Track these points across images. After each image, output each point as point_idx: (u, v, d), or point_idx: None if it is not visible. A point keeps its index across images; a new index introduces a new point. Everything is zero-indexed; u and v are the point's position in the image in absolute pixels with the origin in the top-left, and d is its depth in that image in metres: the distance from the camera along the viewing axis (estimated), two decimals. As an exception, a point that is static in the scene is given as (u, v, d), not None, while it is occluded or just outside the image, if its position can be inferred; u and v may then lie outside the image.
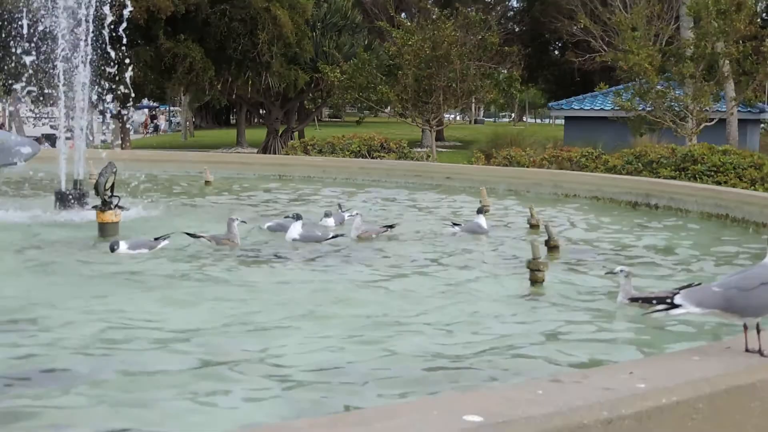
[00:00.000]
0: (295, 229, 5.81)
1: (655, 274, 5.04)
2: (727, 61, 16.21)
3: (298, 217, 5.85)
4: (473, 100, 26.05)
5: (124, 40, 7.76)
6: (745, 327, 2.01)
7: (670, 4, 21.27)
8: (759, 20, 17.50)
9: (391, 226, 6.39)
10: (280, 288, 4.62)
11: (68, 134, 8.07)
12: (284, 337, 3.47)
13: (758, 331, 2.00)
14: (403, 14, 26.42)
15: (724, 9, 15.09)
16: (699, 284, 2.41)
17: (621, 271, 4.09)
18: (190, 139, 29.95)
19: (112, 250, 5.08)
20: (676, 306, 2.03)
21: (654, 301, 2.29)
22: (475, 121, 46.39)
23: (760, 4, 18.71)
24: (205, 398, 2.57)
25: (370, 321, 3.80)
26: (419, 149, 21.29)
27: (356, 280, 4.88)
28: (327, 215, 6.83)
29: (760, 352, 1.94)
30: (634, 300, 3.41)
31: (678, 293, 2.11)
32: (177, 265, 5.11)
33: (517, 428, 1.44)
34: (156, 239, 5.28)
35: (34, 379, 2.76)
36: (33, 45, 7.92)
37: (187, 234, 5.59)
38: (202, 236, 5.62)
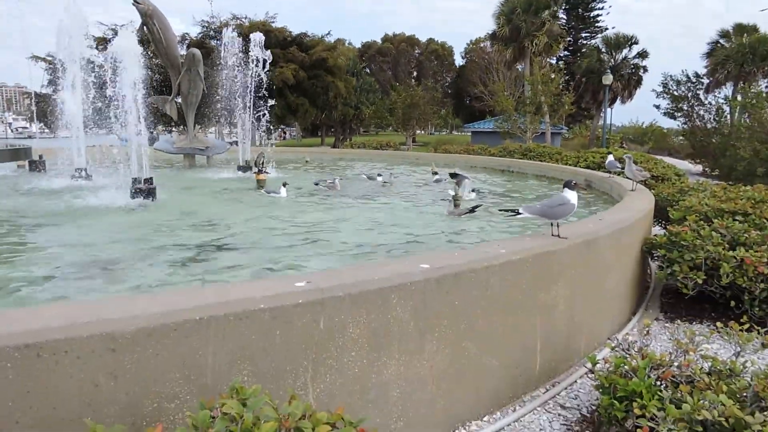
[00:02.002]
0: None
1: (511, 201, 8.96)
2: (546, 105, 31.17)
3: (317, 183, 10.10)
4: (430, 124, 60.16)
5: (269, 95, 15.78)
6: (551, 224, 3.75)
7: (521, 79, 37.24)
8: (561, 86, 31.80)
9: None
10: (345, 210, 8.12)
11: (243, 140, 14.45)
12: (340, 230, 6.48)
13: (558, 226, 3.74)
14: (398, 84, 51.28)
15: (545, 81, 30.12)
16: (518, 210, 4.10)
17: (450, 199, 7.26)
18: (300, 141, 55.72)
19: (268, 192, 9.00)
20: (520, 213, 3.73)
21: (473, 210, 6.46)
22: (431, 134, 77.69)
23: (562, 78, 33.41)
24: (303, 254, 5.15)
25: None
26: (404, 146, 37.22)
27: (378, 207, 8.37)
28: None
29: (558, 236, 3.68)
30: (451, 213, 6.85)
31: (521, 207, 3.81)
32: (300, 198, 9.11)
33: (447, 269, 2.93)
34: (472, 210, 7.44)
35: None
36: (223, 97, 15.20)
37: (315, 183, 10.17)
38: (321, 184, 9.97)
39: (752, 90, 23.87)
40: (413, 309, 2.74)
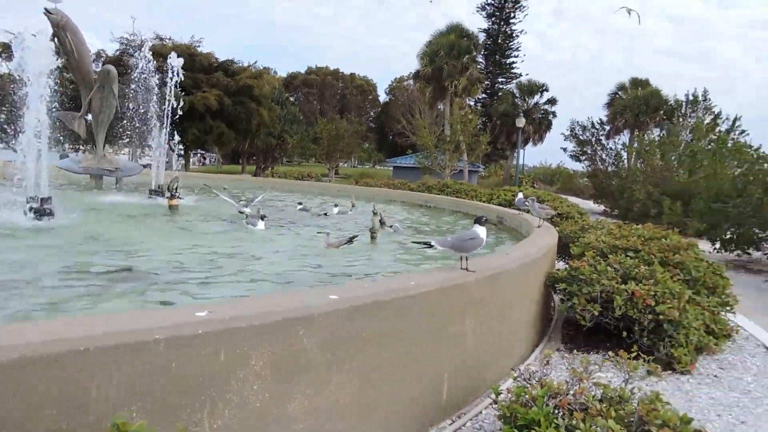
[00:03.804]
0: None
1: (426, 233, 9.37)
2: (464, 144, 32.67)
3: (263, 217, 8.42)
4: (353, 157, 62.91)
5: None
6: (461, 257, 3.86)
7: (441, 118, 39.08)
8: (478, 127, 34.11)
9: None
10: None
11: (157, 164, 13.83)
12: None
13: (467, 259, 3.87)
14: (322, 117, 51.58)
15: (464, 121, 32.30)
16: (430, 243, 4.19)
17: (327, 233, 7.07)
18: (220, 168, 55.27)
19: (248, 224, 8.19)
20: (432, 246, 3.82)
21: (351, 241, 6.58)
22: (354, 166, 79.38)
23: (479, 119, 35.99)
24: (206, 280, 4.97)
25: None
26: (327, 178, 38.83)
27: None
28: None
29: (467, 269, 3.80)
30: (330, 245, 6.76)
31: (433, 239, 3.90)
32: (210, 224, 9.04)
33: (356, 300, 2.92)
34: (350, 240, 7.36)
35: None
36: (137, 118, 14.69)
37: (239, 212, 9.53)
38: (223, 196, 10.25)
39: (645, 138, 26.32)
40: (321, 341, 2.70)
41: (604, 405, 2.85)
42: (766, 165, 11.80)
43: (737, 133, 22.87)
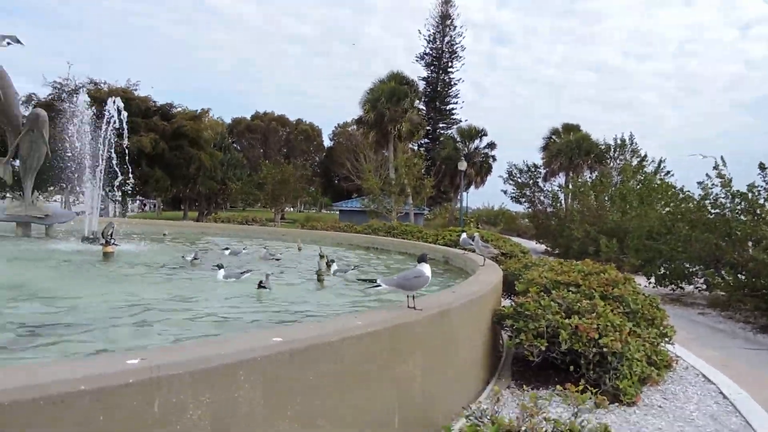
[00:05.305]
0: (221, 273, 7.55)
1: (374, 273, 9.21)
2: (409, 188, 33.33)
3: (220, 267, 7.70)
4: (299, 201, 64.34)
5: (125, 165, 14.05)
6: (407, 296, 3.82)
7: (386, 162, 39.75)
8: (422, 171, 34.09)
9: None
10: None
11: (90, 210, 13.72)
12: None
13: (413, 298, 3.82)
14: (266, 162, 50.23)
15: (408, 165, 32.75)
16: (376, 281, 4.11)
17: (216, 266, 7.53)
18: (160, 214, 53.51)
19: (226, 278, 7.43)
20: (378, 285, 3.76)
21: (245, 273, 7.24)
22: (300, 211, 79.43)
23: (423, 163, 35.83)
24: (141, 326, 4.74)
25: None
26: (273, 222, 37.40)
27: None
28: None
29: (413, 307, 3.75)
30: (226, 278, 7.24)
31: (378, 279, 3.84)
32: (152, 271, 8.46)
33: (300, 342, 2.81)
34: (242, 273, 7.54)
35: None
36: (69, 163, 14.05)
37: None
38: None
39: (579, 180, 27.66)
40: (264, 385, 2.56)
41: (556, 439, 2.82)
42: (690, 204, 12.55)
43: (663, 173, 24.49)
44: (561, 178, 42.77)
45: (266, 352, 2.59)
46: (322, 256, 8.42)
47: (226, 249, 11.00)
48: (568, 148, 43.80)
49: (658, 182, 19.69)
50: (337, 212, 49.12)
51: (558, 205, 25.45)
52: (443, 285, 7.27)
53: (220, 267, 7.65)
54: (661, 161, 25.48)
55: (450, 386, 4.18)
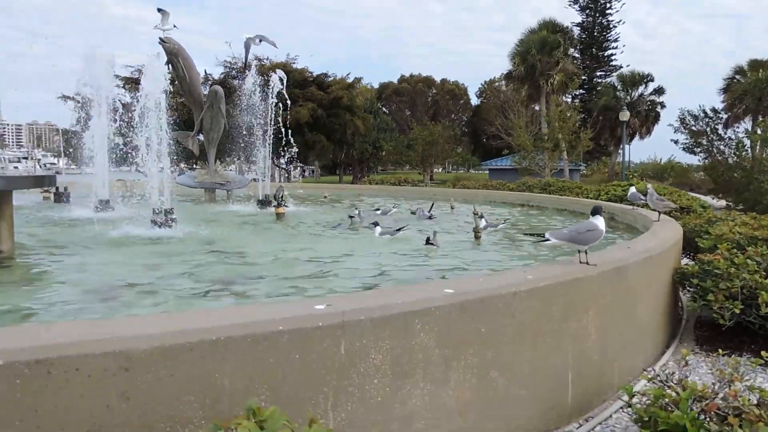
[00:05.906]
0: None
1: (534, 227, 9.63)
2: (563, 142, 31.23)
3: (376, 224, 8.04)
4: (447, 162, 65.48)
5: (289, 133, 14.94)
6: (579, 251, 3.61)
7: (537, 117, 38.02)
8: (578, 124, 32.08)
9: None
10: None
11: (262, 177, 14.64)
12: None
13: (586, 253, 3.60)
14: (414, 123, 52.66)
15: (562, 118, 30.78)
16: (544, 235, 3.68)
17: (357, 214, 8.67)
18: (319, 179, 57.64)
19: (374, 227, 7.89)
20: (547, 239, 3.60)
21: (400, 230, 7.67)
22: (448, 172, 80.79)
23: (578, 116, 33.39)
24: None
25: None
26: (422, 183, 36.97)
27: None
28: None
29: (586, 263, 3.54)
30: (382, 234, 7.55)
31: (547, 232, 3.68)
32: (316, 228, 9.35)
33: (471, 294, 2.80)
34: (397, 230, 7.86)
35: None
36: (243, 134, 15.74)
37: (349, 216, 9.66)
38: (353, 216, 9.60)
39: (773, 123, 23.70)
40: (437, 335, 2.61)
41: (764, 410, 2.50)
42: None
43: None
44: (746, 124, 36.99)
45: (439, 302, 2.63)
46: (476, 214, 8.34)
47: (377, 210, 11.42)
48: (757, 87, 37.53)
49: None
50: (487, 171, 47.87)
51: (744, 153, 22.13)
52: (610, 242, 6.79)
53: (375, 225, 7.98)
54: None
55: (626, 347, 3.91)
